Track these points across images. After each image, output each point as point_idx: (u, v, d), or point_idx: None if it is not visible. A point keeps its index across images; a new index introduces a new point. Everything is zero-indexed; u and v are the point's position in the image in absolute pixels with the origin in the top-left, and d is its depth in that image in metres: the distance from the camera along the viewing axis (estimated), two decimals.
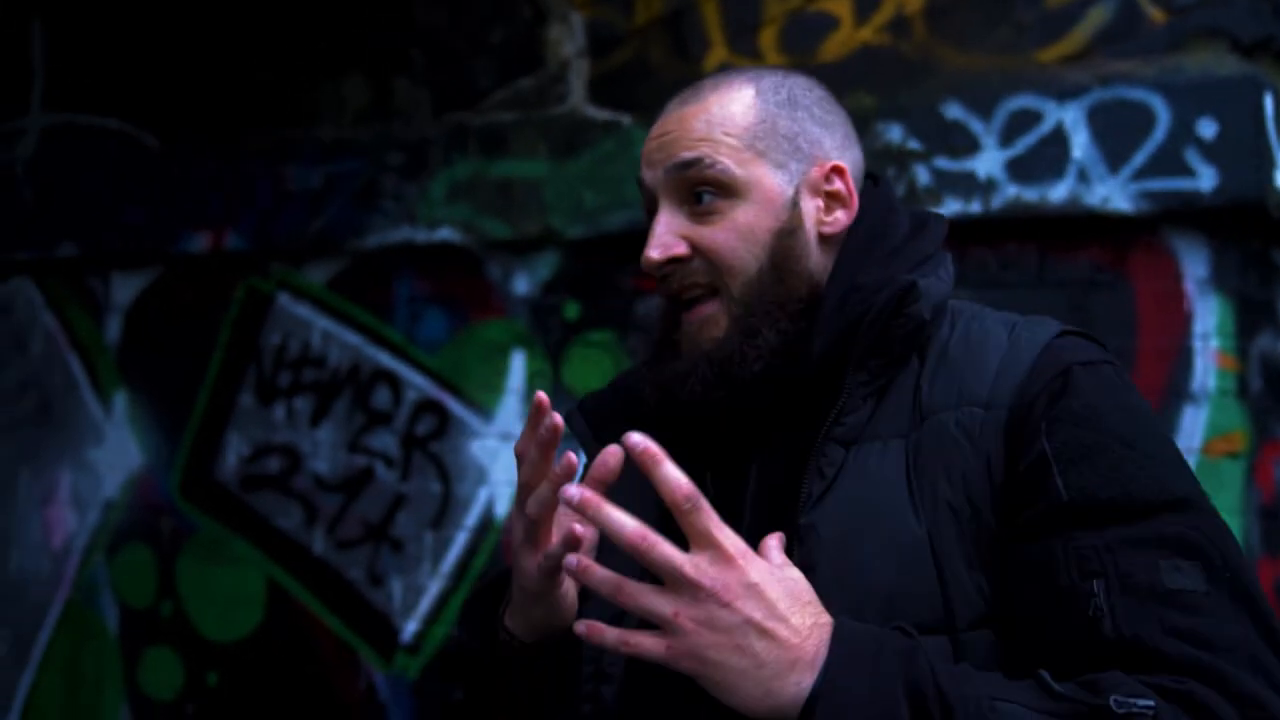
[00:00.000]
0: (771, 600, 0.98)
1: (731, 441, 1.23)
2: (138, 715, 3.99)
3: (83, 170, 4.20)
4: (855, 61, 3.14)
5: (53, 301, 4.30)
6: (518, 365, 3.55)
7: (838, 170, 1.27)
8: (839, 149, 1.29)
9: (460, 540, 3.57)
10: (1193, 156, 2.77)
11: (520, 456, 1.13)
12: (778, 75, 1.30)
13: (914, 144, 3.02)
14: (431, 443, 3.64)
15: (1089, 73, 2.93)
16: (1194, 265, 2.84)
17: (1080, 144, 2.88)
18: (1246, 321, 2.84)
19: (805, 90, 1.30)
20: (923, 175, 3.01)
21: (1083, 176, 2.87)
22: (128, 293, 4.17)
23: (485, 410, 3.58)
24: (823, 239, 1.26)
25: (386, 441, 3.71)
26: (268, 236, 3.86)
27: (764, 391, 1.20)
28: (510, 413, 3.55)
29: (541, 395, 1.09)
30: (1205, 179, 2.76)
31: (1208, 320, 2.82)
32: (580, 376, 3.47)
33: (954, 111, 3.00)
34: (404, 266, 3.72)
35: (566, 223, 3.43)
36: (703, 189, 1.23)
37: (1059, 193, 2.89)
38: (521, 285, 3.56)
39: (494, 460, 3.54)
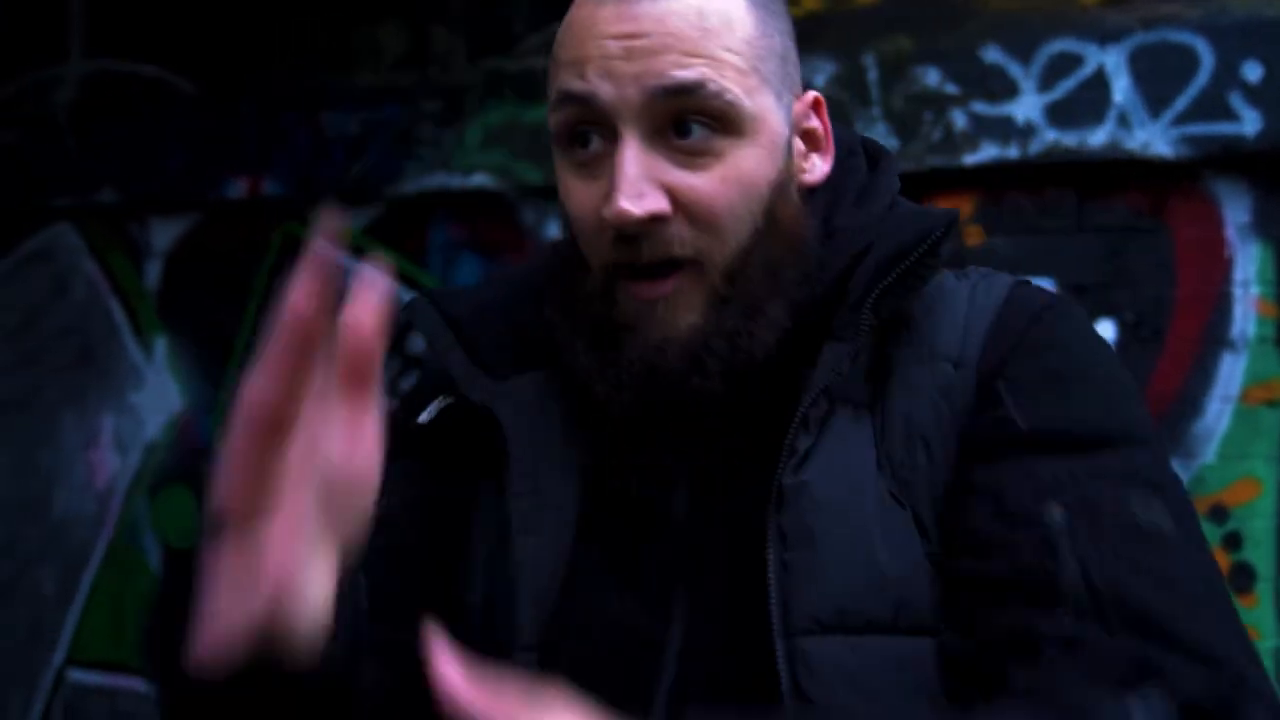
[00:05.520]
0: None
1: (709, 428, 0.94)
2: None
3: (121, 117, 4.23)
4: (893, 3, 3.10)
5: (94, 247, 4.34)
6: None
7: (818, 103, 0.98)
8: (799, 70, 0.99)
9: None
10: (1236, 100, 2.73)
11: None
12: None
13: (951, 88, 2.99)
14: None
15: (1131, 15, 2.88)
16: (1235, 211, 2.81)
17: (1121, 88, 2.84)
18: None
19: None
20: (960, 119, 2.97)
21: (1123, 121, 2.83)
22: (167, 238, 4.21)
23: None
24: (799, 189, 0.97)
25: None
26: (304, 183, 3.88)
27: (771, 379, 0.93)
28: None
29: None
30: (1249, 123, 2.72)
31: (1248, 267, 2.79)
32: None
33: (993, 55, 2.96)
34: (439, 212, 3.73)
35: None
36: (695, 120, 0.88)
37: (1098, 137, 2.85)
38: (555, 231, 3.56)
39: None
